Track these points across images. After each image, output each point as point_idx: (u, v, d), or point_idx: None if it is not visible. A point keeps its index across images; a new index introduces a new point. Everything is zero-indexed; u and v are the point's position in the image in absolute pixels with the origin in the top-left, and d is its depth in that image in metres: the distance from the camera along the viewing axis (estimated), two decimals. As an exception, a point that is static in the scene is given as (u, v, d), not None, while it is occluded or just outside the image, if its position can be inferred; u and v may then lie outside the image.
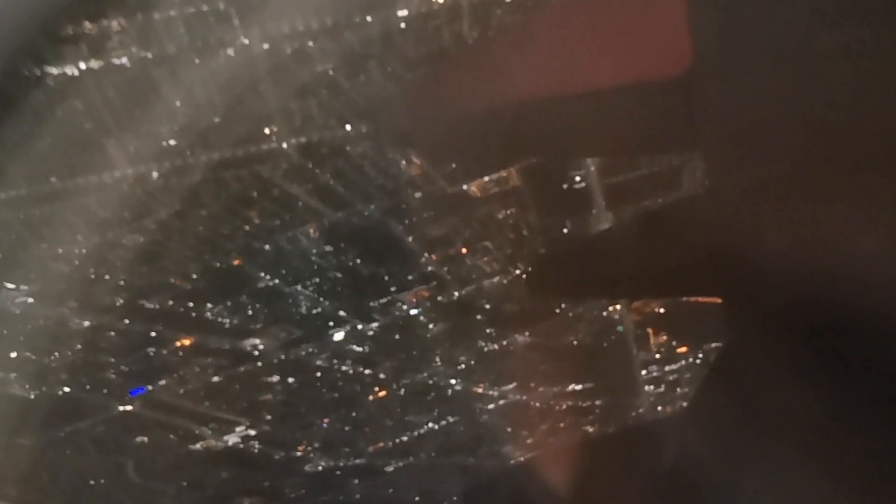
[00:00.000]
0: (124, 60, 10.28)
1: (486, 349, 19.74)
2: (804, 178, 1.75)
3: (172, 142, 11.50)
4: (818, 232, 1.74)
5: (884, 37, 1.53)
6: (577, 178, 13.82)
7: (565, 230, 15.42)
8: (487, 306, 17.91)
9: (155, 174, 12.11)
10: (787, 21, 1.68)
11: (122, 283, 14.86)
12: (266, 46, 10.27)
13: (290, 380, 19.32)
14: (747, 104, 1.83)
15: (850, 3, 1.59)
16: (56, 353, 16.41)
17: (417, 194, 13.77)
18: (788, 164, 1.77)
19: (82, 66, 10.20)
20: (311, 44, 10.31)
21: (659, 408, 22.38)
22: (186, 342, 17.40)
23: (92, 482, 21.11)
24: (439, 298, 17.30)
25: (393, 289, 16.61)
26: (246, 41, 10.21)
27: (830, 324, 1.73)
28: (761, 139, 1.83)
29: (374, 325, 17.92)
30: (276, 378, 18.84)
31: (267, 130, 11.76)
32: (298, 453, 22.48)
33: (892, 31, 1.52)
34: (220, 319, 16.53)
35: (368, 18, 10.09)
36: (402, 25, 10.33)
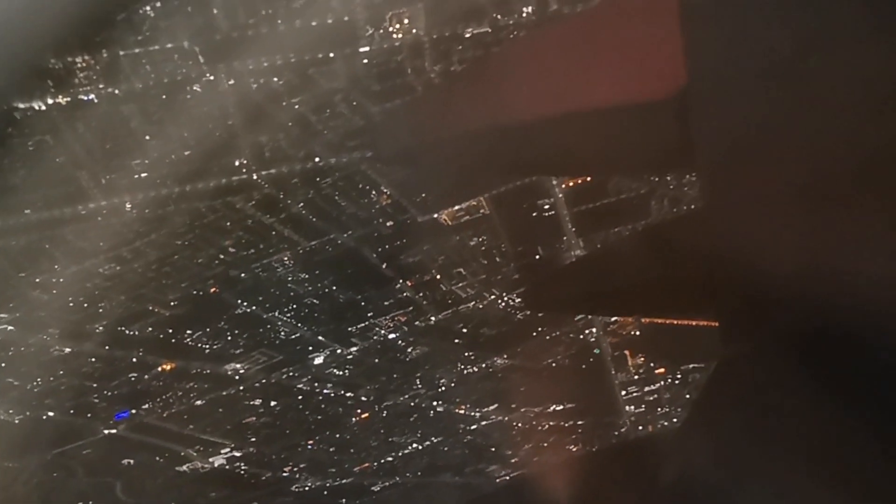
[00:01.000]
0: (92, 97, 10.55)
1: (465, 372, 19.92)
2: (802, 195, 1.87)
3: (144, 174, 11.75)
4: (816, 249, 1.86)
5: (879, 57, 1.65)
6: (546, 207, 14.06)
7: (537, 256, 15.65)
8: (465, 330, 18.10)
9: (128, 205, 12.35)
10: (781, 40, 1.81)
11: (101, 310, 15.07)
12: (232, 83, 10.53)
13: (273, 403, 19.46)
14: (744, 122, 1.96)
15: (844, 24, 1.71)
16: (38, 379, 16.60)
17: (389, 223, 14.01)
18: (786, 182, 1.89)
19: (49, 101, 10.48)
20: (276, 80, 10.57)
21: (640, 427, 22.54)
22: (168, 367, 17.58)
23: (81, 503, 21.26)
24: (417, 323, 17.50)
25: (370, 314, 16.80)
26: (211, 77, 10.47)
27: (830, 337, 1.85)
28: (759, 157, 1.95)
29: (354, 349, 18.10)
30: (258, 401, 18.98)
31: (237, 163, 12.01)
32: (285, 474, 22.61)
33: (886, 52, 1.64)
34: (200, 345, 16.72)
35: (332, 55, 10.36)
36: (365, 61, 10.60)
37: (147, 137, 10.96)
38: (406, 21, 9.80)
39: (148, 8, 8.80)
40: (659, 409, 23.79)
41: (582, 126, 2.37)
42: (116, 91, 10.09)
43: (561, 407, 23.14)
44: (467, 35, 9.97)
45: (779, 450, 1.94)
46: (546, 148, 2.60)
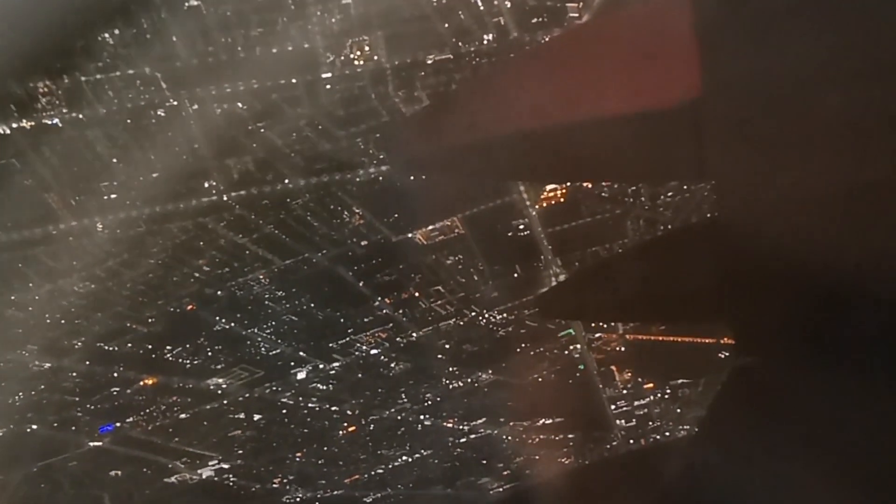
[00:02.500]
0: (56, 121, 10.58)
1: (451, 386, 19.88)
2: (812, 205, 1.88)
3: (113, 196, 11.77)
4: (826, 257, 1.86)
5: (883, 89, 1.67)
6: (521, 227, 14.01)
7: (515, 275, 15.61)
8: (447, 346, 18.06)
9: (99, 226, 12.38)
10: (784, 72, 1.82)
11: (78, 327, 15.12)
12: (195, 108, 10.54)
13: (258, 417, 19.48)
14: (756, 132, 1.96)
15: (842, 61, 1.73)
16: (20, 394, 16.65)
17: (364, 242, 13.99)
18: (796, 192, 1.89)
19: (13, 125, 10.51)
20: (240, 105, 10.57)
21: (631, 441, 22.45)
22: (149, 382, 17.62)
23: (69, 515, 21.29)
24: (398, 340, 17.48)
25: (350, 330, 16.78)
26: (174, 103, 10.49)
27: (840, 341, 1.85)
28: (770, 166, 1.95)
29: (336, 364, 18.08)
30: (242, 415, 19.00)
31: (206, 184, 12.02)
32: (275, 485, 22.61)
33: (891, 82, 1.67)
34: (180, 360, 16.75)
35: (294, 81, 10.36)
36: (328, 87, 10.59)
37: (114, 161, 10.99)
38: (367, 49, 9.79)
39: (107, 36, 8.79)
40: (650, 424, 23.69)
41: (595, 134, 2.37)
42: (80, 116, 10.12)
43: (550, 421, 23.06)
44: (429, 62, 9.94)
45: (791, 458, 1.93)
46: (560, 155, 2.60)
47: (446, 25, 9.38)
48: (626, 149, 2.36)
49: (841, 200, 1.85)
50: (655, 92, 2.21)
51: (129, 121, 10.09)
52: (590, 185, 13.40)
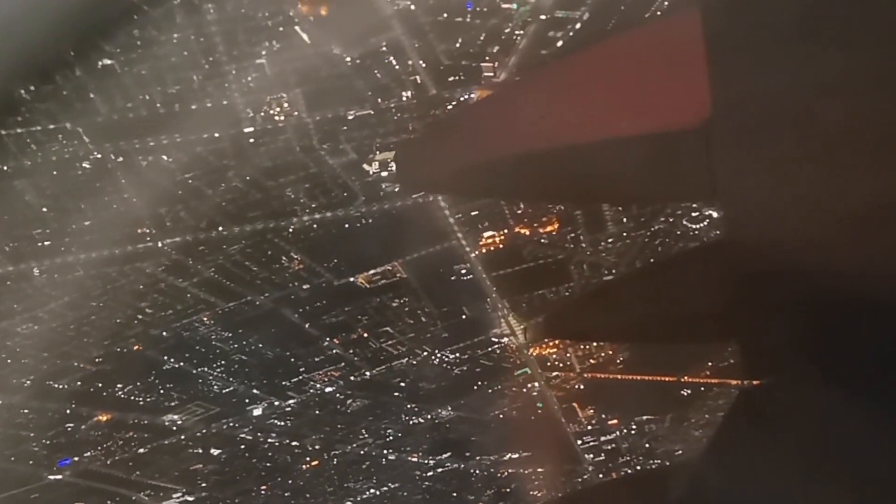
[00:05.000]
0: (-20, 173, 10.66)
1: (411, 422, 19.82)
2: (823, 221, 1.87)
3: (48, 242, 11.81)
4: (836, 274, 1.86)
5: (892, 102, 1.68)
6: (463, 272, 14.02)
7: (464, 317, 15.60)
8: (403, 384, 18.03)
9: (36, 271, 12.42)
10: (791, 87, 1.83)
11: (25, 365, 15.13)
12: (121, 160, 10.60)
13: (217, 451, 19.42)
14: (766, 149, 1.96)
15: (848, 74, 1.73)
16: (-28, 430, 16.65)
17: (305, 286, 14.01)
18: (807, 209, 1.89)
19: (-64, 176, 10.60)
20: (164, 157, 10.62)
21: (601, 475, 22.32)
22: (104, 418, 17.60)
23: (31, 549, 21.19)
24: (352, 378, 17.45)
25: (302, 369, 16.76)
26: (99, 155, 10.54)
27: (848, 360, 1.85)
28: (780, 182, 1.95)
29: (292, 401, 18.06)
30: (201, 450, 18.96)
31: (140, 231, 12.07)
32: (243, 518, 22.50)
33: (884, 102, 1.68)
34: (132, 398, 16.74)
35: (216, 134, 10.41)
36: (252, 140, 10.65)
37: (44, 210, 11.02)
38: (286, 105, 9.83)
39: (22, 91, 8.85)
40: (620, 458, 23.56)
41: (604, 155, 2.37)
42: (5, 167, 10.14)
43: (517, 455, 22.95)
44: (350, 117, 9.99)
45: (795, 477, 1.92)
46: (568, 178, 2.60)
47: (364, 83, 9.42)
48: (636, 169, 2.36)
49: (854, 217, 1.85)
50: (665, 111, 2.22)
51: (55, 172, 10.12)
52: (536, 230, 13.42)
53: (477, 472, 23.88)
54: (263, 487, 22.66)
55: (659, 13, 9.44)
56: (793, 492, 1.90)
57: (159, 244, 11.81)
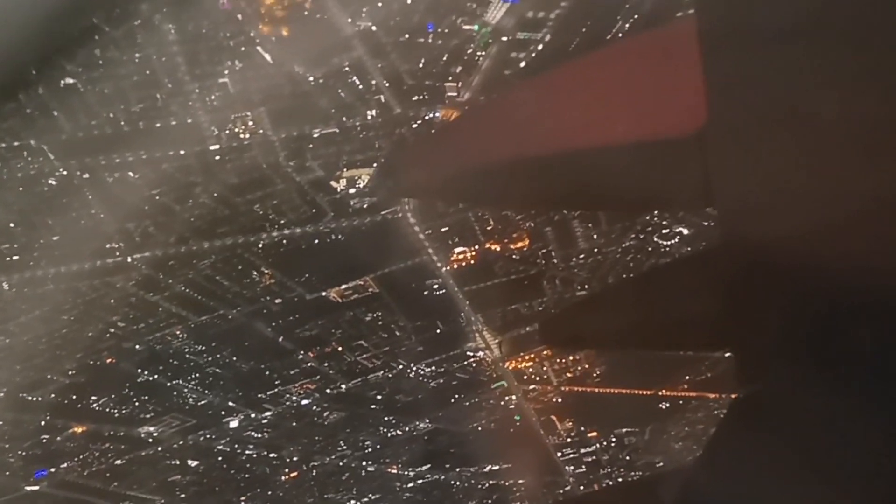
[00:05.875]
0: (-54, 188, 10.65)
1: (389, 434, 19.82)
2: (821, 222, 1.88)
3: (16, 257, 11.80)
4: (828, 279, 1.87)
5: (873, 101, 1.68)
6: (435, 287, 14.04)
7: (438, 331, 15.61)
8: (379, 397, 18.03)
9: (6, 285, 12.40)
10: (797, 81, 1.83)
11: (-3, 378, 15.10)
12: (87, 176, 10.60)
13: (195, 463, 19.39)
14: (763, 161, 1.97)
15: (842, 69, 1.73)
16: (-55, 442, 16.60)
17: (277, 300, 14.01)
18: (804, 221, 1.89)
19: None
20: (131, 174, 10.63)
21: (582, 487, 22.34)
22: (79, 430, 17.57)
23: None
24: (328, 391, 17.44)
25: (277, 382, 16.75)
26: (65, 172, 10.55)
27: (846, 362, 1.85)
28: (777, 195, 1.95)
29: (268, 413, 18.04)
30: (178, 461, 18.92)
31: (109, 246, 12.06)
32: (224, 527, 22.45)
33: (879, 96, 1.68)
34: (108, 410, 16.70)
35: (182, 151, 10.42)
36: (218, 158, 10.66)
37: (11, 225, 11.01)
38: (251, 123, 9.85)
39: (-15, 110, 8.86)
40: (601, 470, 23.60)
41: (598, 161, 2.38)
42: (-30, 184, 10.12)
43: (497, 467, 22.98)
44: (316, 135, 10.01)
45: (792, 482, 1.93)
46: (563, 184, 2.61)
47: (328, 101, 9.44)
48: (632, 173, 2.37)
49: (850, 216, 1.86)
50: (660, 114, 2.23)
51: (20, 188, 10.11)
52: (506, 246, 13.43)
53: (458, 483, 23.91)
54: (243, 498, 22.64)
55: (620, 35, 9.50)
56: (788, 494, 1.93)
57: (129, 259, 11.81)
